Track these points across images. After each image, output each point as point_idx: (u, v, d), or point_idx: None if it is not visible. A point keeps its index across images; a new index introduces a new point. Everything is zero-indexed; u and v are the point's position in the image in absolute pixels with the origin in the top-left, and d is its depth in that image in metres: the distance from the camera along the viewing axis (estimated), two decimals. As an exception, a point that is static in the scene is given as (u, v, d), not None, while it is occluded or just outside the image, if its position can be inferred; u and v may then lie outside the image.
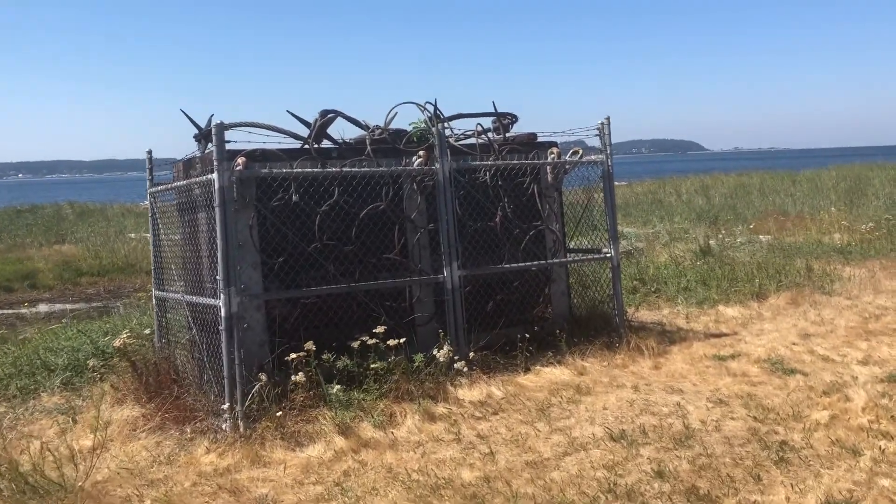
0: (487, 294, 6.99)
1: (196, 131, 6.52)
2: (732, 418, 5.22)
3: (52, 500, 4.24)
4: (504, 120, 7.60)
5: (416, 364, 5.88)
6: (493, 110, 7.51)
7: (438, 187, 6.46)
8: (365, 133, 6.86)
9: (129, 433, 5.38)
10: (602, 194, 7.52)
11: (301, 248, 6.09)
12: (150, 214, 7.28)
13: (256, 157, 5.93)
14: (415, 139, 6.87)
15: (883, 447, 4.52)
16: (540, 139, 7.57)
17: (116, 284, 15.18)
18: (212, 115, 6.09)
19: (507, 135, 7.56)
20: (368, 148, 6.57)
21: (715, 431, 4.98)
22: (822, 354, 6.75)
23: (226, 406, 5.33)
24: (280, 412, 5.24)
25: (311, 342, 5.55)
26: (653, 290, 10.09)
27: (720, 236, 15.23)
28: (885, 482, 4.06)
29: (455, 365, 5.99)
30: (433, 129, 6.62)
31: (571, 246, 7.91)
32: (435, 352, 5.97)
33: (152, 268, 7.29)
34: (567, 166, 7.50)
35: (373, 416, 5.36)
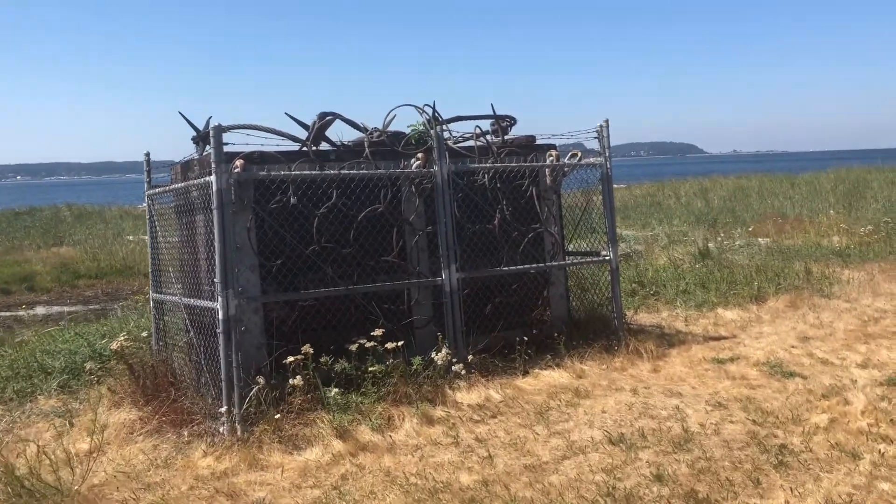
0: (486, 297, 6.97)
1: (194, 134, 6.51)
2: (731, 422, 5.21)
3: (49, 503, 4.22)
4: (502, 122, 7.59)
5: (415, 367, 5.86)
6: (491, 113, 7.51)
7: (437, 190, 6.45)
8: (363, 135, 6.85)
9: (126, 436, 5.36)
10: (601, 197, 7.52)
11: (299, 251, 6.08)
12: (147, 217, 7.26)
13: (254, 159, 5.92)
14: (413, 141, 6.87)
15: (882, 451, 4.51)
16: (539, 141, 7.56)
17: (114, 287, 15.17)
18: (210, 118, 6.08)
19: (506, 137, 7.56)
20: (367, 150, 6.56)
21: (714, 435, 4.97)
22: (821, 357, 6.74)
23: (223, 409, 5.31)
24: (278, 415, 5.22)
25: (309, 345, 5.54)
26: (651, 292, 10.08)
27: (719, 239, 15.24)
28: (885, 486, 4.05)
29: (453, 368, 5.98)
30: (432, 131, 6.61)
31: (570, 248, 7.90)
32: (433, 355, 5.95)
33: (150, 270, 7.27)
34: (566, 169, 7.49)
35: (371, 420, 5.34)
